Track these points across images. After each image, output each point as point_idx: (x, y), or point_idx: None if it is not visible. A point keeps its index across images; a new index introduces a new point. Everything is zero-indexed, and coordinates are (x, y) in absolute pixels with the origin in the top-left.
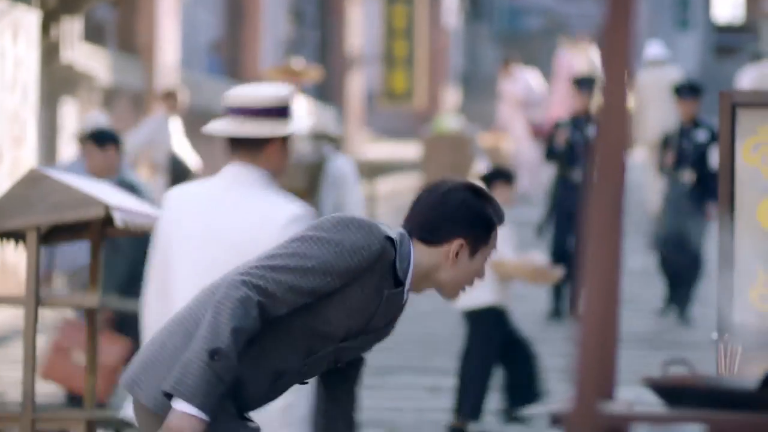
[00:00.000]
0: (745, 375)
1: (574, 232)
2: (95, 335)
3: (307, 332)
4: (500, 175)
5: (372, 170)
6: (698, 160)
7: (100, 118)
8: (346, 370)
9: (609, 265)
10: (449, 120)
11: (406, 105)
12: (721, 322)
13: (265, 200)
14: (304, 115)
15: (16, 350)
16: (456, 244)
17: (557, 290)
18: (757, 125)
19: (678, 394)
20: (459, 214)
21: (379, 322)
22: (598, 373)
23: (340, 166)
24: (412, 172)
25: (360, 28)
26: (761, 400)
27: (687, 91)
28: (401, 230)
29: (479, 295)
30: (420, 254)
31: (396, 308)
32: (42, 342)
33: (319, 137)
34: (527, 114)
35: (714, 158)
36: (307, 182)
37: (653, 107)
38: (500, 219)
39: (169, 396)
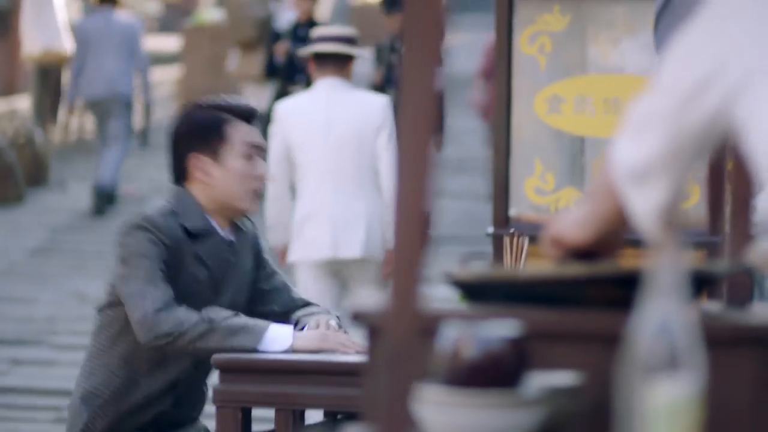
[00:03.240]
0: (540, 268)
1: None
2: None
3: None
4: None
5: None
6: None
7: None
8: None
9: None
10: (209, 12)
11: None
12: (496, 216)
13: (362, 95)
14: (61, 6)
15: None
16: (190, 164)
17: None
18: (535, 14)
19: (484, 289)
20: (175, 143)
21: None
22: (414, 269)
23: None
24: (173, 65)
25: None
26: (580, 295)
27: (392, 4)
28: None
29: None
30: (197, 195)
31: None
32: None
33: None
34: None
35: None
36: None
37: None
38: (237, 112)
39: None
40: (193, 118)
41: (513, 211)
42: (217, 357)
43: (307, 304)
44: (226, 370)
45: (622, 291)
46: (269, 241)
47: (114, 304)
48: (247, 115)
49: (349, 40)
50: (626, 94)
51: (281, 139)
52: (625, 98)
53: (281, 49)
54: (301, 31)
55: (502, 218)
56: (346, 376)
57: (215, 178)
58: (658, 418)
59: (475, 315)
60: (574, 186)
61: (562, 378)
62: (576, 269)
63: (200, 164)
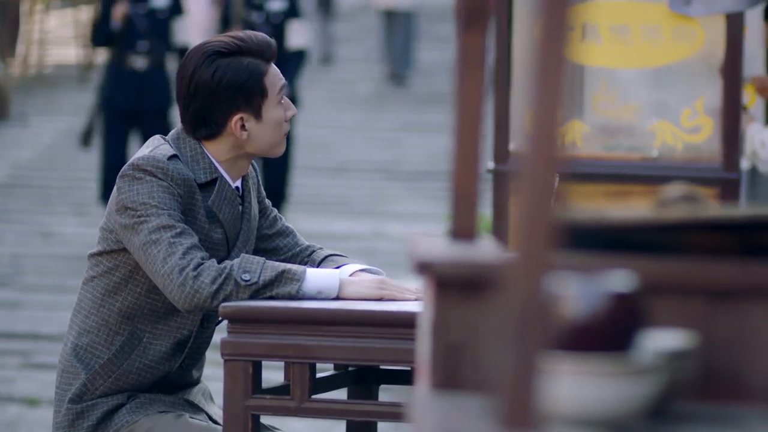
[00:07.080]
0: (634, 211)
1: (127, 137)
2: None
3: None
4: None
5: None
6: (272, 36)
7: None
8: None
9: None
10: None
11: None
12: (497, 151)
13: None
14: None
15: None
16: (233, 122)
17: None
18: None
19: (588, 235)
20: (218, 97)
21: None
22: (547, 217)
23: None
24: None
25: None
26: (681, 242)
27: None
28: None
29: None
30: (212, 149)
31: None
32: None
33: None
34: None
35: (294, 35)
36: None
37: None
38: (263, 55)
39: None
40: (229, 72)
41: (513, 146)
42: (225, 306)
43: (314, 250)
44: (236, 320)
45: (729, 238)
46: None
47: (110, 251)
48: (271, 54)
49: None
50: (634, 22)
51: None
52: (633, 26)
53: (119, 11)
54: None
55: (503, 153)
56: (364, 327)
57: (250, 133)
58: None
59: (587, 266)
60: (578, 118)
61: (675, 338)
62: (680, 213)
63: (241, 123)
